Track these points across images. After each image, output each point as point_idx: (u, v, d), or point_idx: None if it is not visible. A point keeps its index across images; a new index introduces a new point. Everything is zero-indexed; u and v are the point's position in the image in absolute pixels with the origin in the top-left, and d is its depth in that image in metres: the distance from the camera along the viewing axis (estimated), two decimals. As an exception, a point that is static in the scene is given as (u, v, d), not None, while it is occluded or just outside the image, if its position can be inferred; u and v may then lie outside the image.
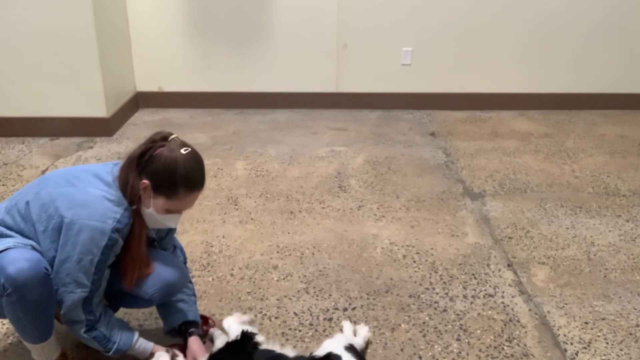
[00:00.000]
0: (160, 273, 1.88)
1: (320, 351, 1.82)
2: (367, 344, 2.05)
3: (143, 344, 1.84)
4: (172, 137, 1.72)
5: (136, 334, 1.83)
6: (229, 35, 4.41)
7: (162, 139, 1.71)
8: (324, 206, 3.05)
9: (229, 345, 1.79)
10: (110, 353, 1.77)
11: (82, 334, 1.72)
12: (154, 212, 1.72)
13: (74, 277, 1.63)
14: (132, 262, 1.75)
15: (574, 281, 2.44)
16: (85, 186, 1.68)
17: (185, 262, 2.09)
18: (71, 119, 3.93)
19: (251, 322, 2.11)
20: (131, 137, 3.96)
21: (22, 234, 1.68)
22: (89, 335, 1.73)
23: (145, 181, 1.68)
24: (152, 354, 1.84)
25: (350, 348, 1.84)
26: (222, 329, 2.03)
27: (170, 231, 1.98)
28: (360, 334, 2.04)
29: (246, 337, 1.76)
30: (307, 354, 1.84)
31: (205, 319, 2.12)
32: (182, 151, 1.69)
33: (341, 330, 2.08)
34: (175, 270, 1.91)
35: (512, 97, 4.61)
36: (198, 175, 1.73)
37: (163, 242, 1.97)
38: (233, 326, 1.99)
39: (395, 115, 4.50)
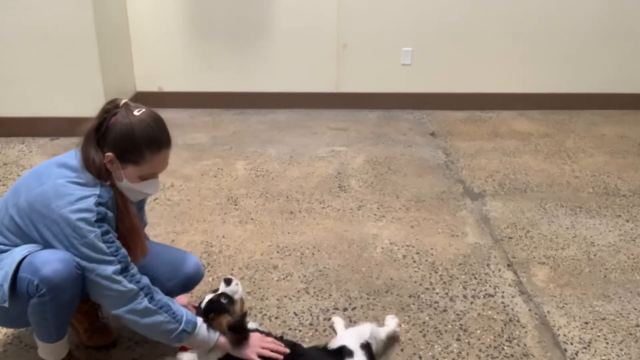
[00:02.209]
0: (178, 266, 1.91)
1: (337, 340, 1.83)
2: (394, 336, 2.05)
3: (204, 329, 1.71)
4: (123, 101, 1.66)
5: (199, 318, 1.72)
6: (229, 35, 4.41)
7: (114, 107, 1.65)
8: (324, 206, 3.04)
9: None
10: (181, 327, 1.65)
11: (149, 305, 1.61)
12: (128, 183, 1.68)
13: (92, 259, 1.59)
14: (130, 235, 1.72)
15: (574, 281, 2.44)
16: (54, 179, 1.63)
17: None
18: (71, 119, 3.92)
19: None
20: (131, 137, 3.96)
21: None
22: (155, 305, 1.62)
23: (109, 154, 1.63)
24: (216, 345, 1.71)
25: (366, 346, 1.83)
26: None
27: (143, 203, 1.97)
28: (390, 325, 2.05)
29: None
30: (327, 342, 1.85)
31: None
32: (136, 113, 1.63)
33: (340, 326, 2.09)
34: (192, 264, 1.94)
35: (512, 97, 4.61)
36: (159, 132, 1.66)
37: (139, 204, 1.97)
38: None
39: (395, 115, 4.50)
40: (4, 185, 3.24)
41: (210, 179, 3.34)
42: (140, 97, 4.52)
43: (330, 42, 4.44)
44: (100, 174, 1.64)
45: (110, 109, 1.65)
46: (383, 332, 1.99)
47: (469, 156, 3.71)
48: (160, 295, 1.67)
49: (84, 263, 1.59)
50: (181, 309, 1.70)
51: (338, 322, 2.12)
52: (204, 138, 3.96)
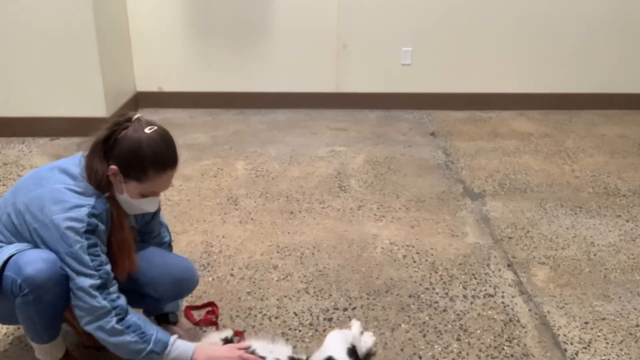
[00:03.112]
0: (171, 271, 1.88)
1: (323, 350, 1.79)
2: (369, 353, 2.00)
3: (182, 344, 1.70)
4: (136, 116, 1.66)
5: (173, 336, 1.73)
6: (229, 35, 4.41)
7: (126, 120, 1.65)
8: (324, 206, 3.05)
9: None
10: (149, 347, 1.63)
11: (115, 326, 1.61)
12: (128, 197, 1.67)
13: (74, 269, 1.59)
14: (120, 251, 1.71)
15: (574, 281, 2.44)
16: (52, 184, 1.63)
17: (170, 240, 2.07)
18: (71, 119, 3.93)
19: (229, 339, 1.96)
20: (131, 137, 3.95)
21: None
22: (122, 325, 1.61)
23: (113, 167, 1.62)
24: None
25: (352, 351, 1.81)
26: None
27: (157, 211, 1.95)
28: (367, 343, 1.99)
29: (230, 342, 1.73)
30: (307, 354, 1.84)
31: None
32: (147, 130, 1.63)
33: (348, 328, 2.03)
34: (185, 269, 1.92)
35: (512, 97, 4.61)
36: (167, 153, 1.65)
37: (150, 225, 1.95)
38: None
39: (395, 115, 4.50)
40: (4, 185, 3.24)
41: (210, 179, 3.34)
42: (140, 97, 4.53)
43: (330, 42, 4.44)
44: (100, 184, 1.64)
45: (122, 122, 1.65)
46: (364, 345, 1.95)
47: (469, 156, 3.71)
48: (131, 316, 1.65)
49: (65, 269, 1.59)
50: (152, 328, 1.67)
51: (355, 326, 2.04)
52: (204, 138, 3.96)
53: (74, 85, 3.85)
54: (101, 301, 1.60)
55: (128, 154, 1.61)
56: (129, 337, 1.62)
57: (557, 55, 4.50)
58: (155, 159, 1.62)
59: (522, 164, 3.60)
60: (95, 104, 3.90)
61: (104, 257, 1.63)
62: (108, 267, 1.64)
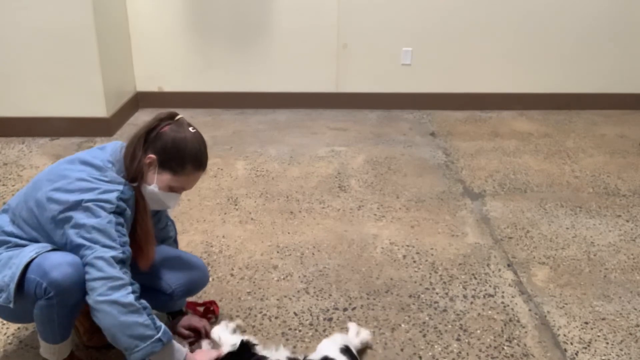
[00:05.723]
0: (185, 269, 1.94)
1: (317, 353, 1.81)
2: (365, 347, 2.02)
3: (176, 344, 1.69)
4: (179, 116, 1.79)
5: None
6: (229, 35, 4.41)
7: (169, 117, 1.77)
8: (324, 206, 3.05)
9: (230, 356, 1.75)
10: (158, 335, 1.58)
11: (133, 301, 1.54)
12: (156, 188, 1.73)
13: (99, 241, 1.57)
14: (144, 237, 1.76)
15: (574, 281, 2.44)
16: (77, 174, 1.65)
17: (176, 237, 2.14)
18: (71, 119, 3.93)
19: (238, 328, 2.06)
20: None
21: (35, 241, 1.67)
22: (140, 304, 1.56)
23: (152, 155, 1.70)
24: None
25: (347, 350, 1.83)
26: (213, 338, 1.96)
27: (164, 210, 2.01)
28: (360, 335, 2.02)
29: (245, 346, 1.75)
30: (307, 354, 1.84)
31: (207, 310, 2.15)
32: (191, 129, 1.77)
33: (345, 330, 2.06)
34: (199, 268, 1.99)
35: (512, 97, 4.61)
36: (204, 154, 1.81)
37: (158, 214, 2.01)
38: (223, 335, 1.91)
39: (395, 115, 4.50)
40: (4, 185, 3.24)
41: (210, 179, 3.34)
42: (140, 97, 4.53)
43: (330, 42, 4.44)
44: (130, 170, 1.70)
45: (166, 118, 1.76)
46: (357, 340, 1.97)
47: (469, 156, 3.71)
48: (144, 301, 1.62)
49: (87, 244, 1.57)
50: (157, 320, 1.63)
51: (352, 328, 2.05)
52: (204, 138, 3.95)
53: (74, 85, 3.86)
54: (120, 272, 1.56)
55: (172, 146, 1.71)
56: (141, 319, 1.55)
57: (556, 55, 4.50)
58: (195, 156, 1.77)
59: (522, 164, 3.60)
60: (95, 104, 3.90)
61: (127, 238, 1.65)
62: (129, 248, 1.64)
